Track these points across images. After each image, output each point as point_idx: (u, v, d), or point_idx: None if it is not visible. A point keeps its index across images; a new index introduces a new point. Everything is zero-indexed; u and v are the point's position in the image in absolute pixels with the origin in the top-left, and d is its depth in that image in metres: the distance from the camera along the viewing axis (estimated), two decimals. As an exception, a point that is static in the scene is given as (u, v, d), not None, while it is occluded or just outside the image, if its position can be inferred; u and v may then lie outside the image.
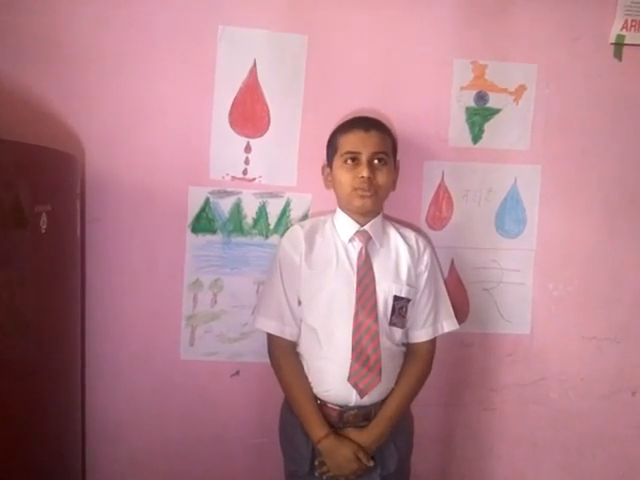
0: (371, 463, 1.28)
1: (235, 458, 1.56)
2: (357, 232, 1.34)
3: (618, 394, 1.62)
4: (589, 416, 1.62)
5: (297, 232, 1.38)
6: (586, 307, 1.60)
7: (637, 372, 1.62)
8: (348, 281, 1.31)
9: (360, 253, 1.33)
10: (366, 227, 1.34)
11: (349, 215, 1.35)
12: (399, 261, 1.36)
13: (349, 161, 1.30)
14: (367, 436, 1.29)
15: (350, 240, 1.34)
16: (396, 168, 1.39)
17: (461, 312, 1.56)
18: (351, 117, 1.39)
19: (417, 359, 1.38)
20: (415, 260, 1.37)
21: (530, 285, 1.59)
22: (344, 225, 1.36)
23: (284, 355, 1.36)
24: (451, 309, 1.44)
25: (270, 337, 1.37)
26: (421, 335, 1.39)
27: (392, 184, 1.37)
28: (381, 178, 1.30)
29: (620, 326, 1.61)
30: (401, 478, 1.40)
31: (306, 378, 1.33)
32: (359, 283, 1.31)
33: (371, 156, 1.29)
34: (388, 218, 1.44)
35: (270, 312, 1.35)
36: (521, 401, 1.62)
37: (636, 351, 1.61)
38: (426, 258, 1.39)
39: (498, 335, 1.60)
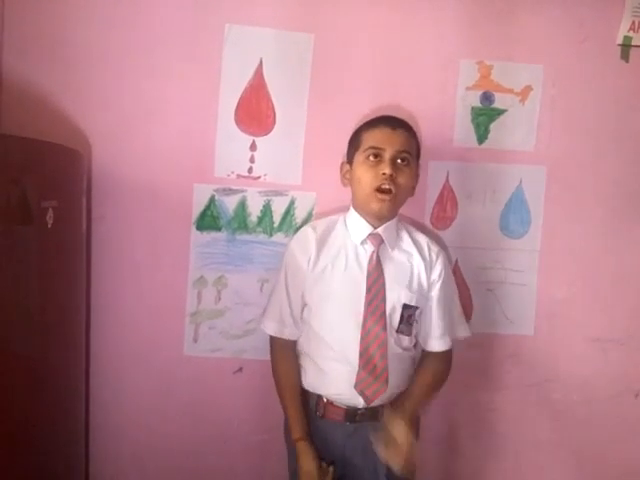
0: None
1: (238, 454, 1.56)
2: (370, 235, 1.31)
3: (621, 396, 1.61)
4: (592, 417, 1.62)
5: (308, 236, 1.34)
6: (590, 309, 1.60)
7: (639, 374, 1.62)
8: (357, 286, 1.29)
9: (371, 258, 1.30)
10: (379, 230, 1.31)
11: (363, 217, 1.32)
12: (410, 268, 1.33)
13: (372, 157, 1.26)
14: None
15: (362, 242, 1.31)
16: (417, 174, 1.34)
17: (465, 312, 1.56)
18: (377, 115, 1.35)
19: (435, 361, 1.38)
20: (428, 269, 1.34)
21: (534, 286, 1.59)
22: (357, 226, 1.33)
23: (281, 351, 1.36)
24: (463, 316, 1.43)
25: (271, 336, 1.38)
26: (440, 345, 1.36)
27: (411, 190, 1.33)
28: (402, 178, 1.26)
29: (624, 328, 1.60)
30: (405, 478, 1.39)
31: (296, 376, 1.34)
32: (369, 289, 1.28)
33: (395, 154, 1.26)
34: (402, 220, 1.40)
35: (272, 314, 1.35)
36: (524, 402, 1.61)
37: (639, 353, 1.61)
38: (439, 267, 1.35)
39: (501, 336, 1.60)
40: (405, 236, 1.36)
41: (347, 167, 1.34)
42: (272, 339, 1.38)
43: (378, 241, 1.31)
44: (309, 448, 1.27)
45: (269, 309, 1.37)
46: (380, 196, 1.25)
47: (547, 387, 1.62)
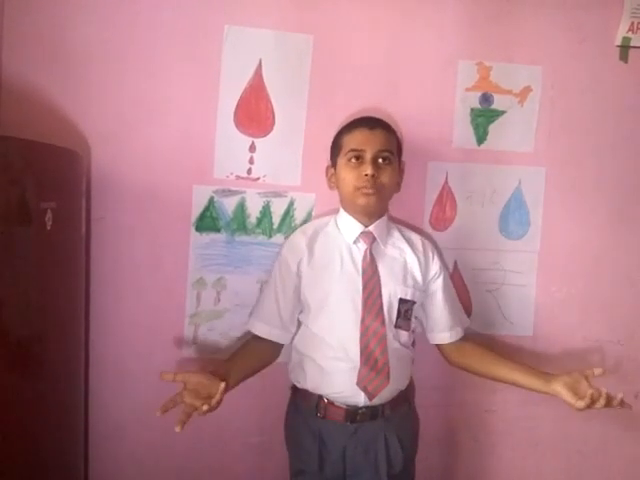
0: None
1: (237, 456, 1.56)
2: (361, 233, 1.33)
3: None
4: (590, 418, 1.61)
5: (298, 240, 1.37)
6: (589, 309, 1.60)
7: (639, 375, 1.62)
8: (354, 284, 1.31)
9: (365, 255, 1.32)
10: (370, 228, 1.34)
11: (353, 216, 1.35)
12: (404, 263, 1.36)
13: (353, 159, 1.29)
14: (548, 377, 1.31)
15: (355, 241, 1.34)
16: (401, 170, 1.38)
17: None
18: (356, 117, 1.39)
19: (466, 343, 1.42)
20: (423, 265, 1.37)
21: (533, 287, 1.59)
22: (348, 226, 1.35)
23: (256, 340, 1.38)
24: (461, 306, 1.48)
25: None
26: (452, 336, 1.41)
27: (397, 186, 1.36)
28: (385, 177, 1.29)
29: (623, 329, 1.61)
30: (406, 478, 1.40)
31: (255, 355, 1.36)
32: (365, 286, 1.30)
33: (376, 154, 1.29)
34: (393, 220, 1.44)
35: (261, 316, 1.37)
36: (522, 402, 1.61)
37: (638, 354, 1.61)
38: (438, 262, 1.40)
39: (500, 336, 1.60)
40: (396, 233, 1.40)
41: (332, 171, 1.37)
42: (253, 335, 1.39)
43: (370, 239, 1.33)
44: (215, 375, 1.21)
45: (258, 310, 1.39)
46: (365, 190, 1.27)
47: (546, 388, 1.62)
